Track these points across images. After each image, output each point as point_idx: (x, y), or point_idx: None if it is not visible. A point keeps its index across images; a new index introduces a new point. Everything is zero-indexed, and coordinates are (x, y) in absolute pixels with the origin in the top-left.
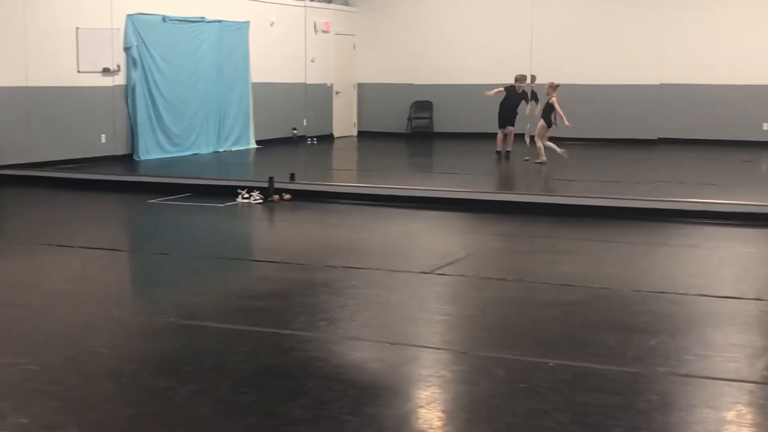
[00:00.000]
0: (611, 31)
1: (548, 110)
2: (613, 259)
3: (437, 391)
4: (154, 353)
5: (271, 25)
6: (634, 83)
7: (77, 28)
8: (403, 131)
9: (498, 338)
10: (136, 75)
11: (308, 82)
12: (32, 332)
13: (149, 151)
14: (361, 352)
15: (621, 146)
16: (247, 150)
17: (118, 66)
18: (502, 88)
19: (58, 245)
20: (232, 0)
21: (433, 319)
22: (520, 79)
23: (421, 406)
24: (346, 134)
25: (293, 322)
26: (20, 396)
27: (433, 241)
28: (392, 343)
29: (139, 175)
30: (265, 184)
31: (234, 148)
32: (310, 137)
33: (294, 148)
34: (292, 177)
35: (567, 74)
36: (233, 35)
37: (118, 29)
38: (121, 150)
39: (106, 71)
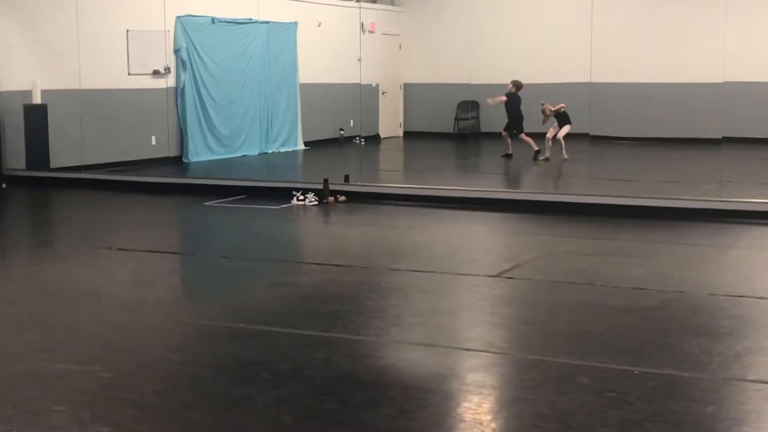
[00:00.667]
0: (672, 28)
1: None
2: (683, 261)
3: (522, 399)
4: (227, 359)
5: (319, 25)
6: (696, 81)
7: (127, 30)
8: (449, 131)
9: (577, 345)
10: (186, 77)
11: (355, 82)
12: (101, 338)
13: (198, 153)
14: (438, 358)
15: (684, 145)
16: (295, 151)
17: (167, 68)
18: (504, 97)
19: (118, 249)
20: (280, 1)
21: (506, 325)
22: (518, 84)
23: (511, 416)
24: (392, 135)
25: (365, 327)
26: (98, 404)
27: (495, 243)
28: (467, 349)
29: (193, 178)
30: (320, 186)
31: (282, 150)
32: (357, 137)
33: (342, 149)
34: (347, 179)
35: (627, 72)
36: (281, 36)
37: (168, 31)
38: (170, 152)
39: (156, 73)
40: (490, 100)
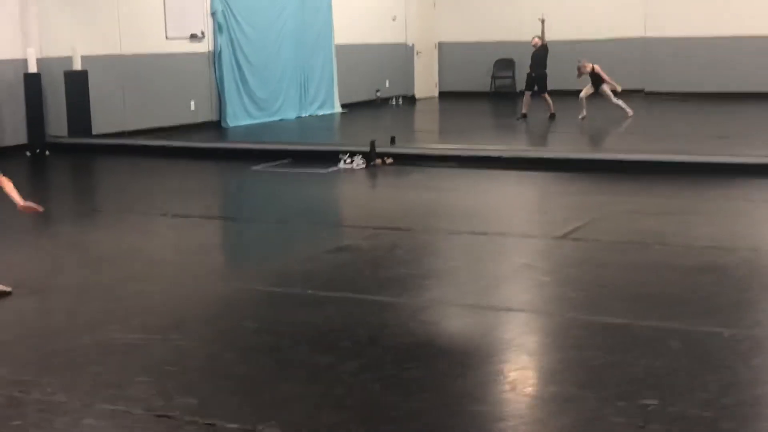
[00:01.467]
0: None
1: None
2: (750, 218)
3: (617, 364)
4: (304, 327)
5: None
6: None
7: None
8: (485, 90)
9: (663, 307)
10: (222, 40)
11: (390, 42)
12: (171, 306)
13: (237, 117)
14: (519, 323)
15: (743, 100)
16: (332, 114)
17: (202, 32)
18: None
19: (173, 215)
20: None
21: (583, 288)
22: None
23: (610, 383)
24: (428, 95)
25: (437, 292)
26: (181, 375)
27: (552, 204)
28: (550, 313)
29: (238, 142)
30: (365, 149)
31: (320, 113)
32: (394, 98)
33: (379, 110)
34: (393, 141)
35: (683, 26)
36: None
37: None
38: (209, 116)
39: (193, 37)
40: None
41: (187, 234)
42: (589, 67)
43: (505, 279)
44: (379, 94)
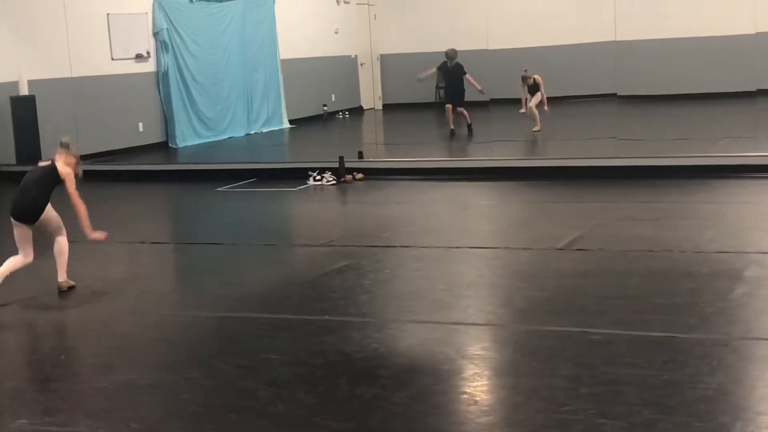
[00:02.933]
0: None
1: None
2: (747, 220)
3: (684, 381)
4: (333, 355)
5: None
6: (726, 34)
7: (108, 14)
8: (429, 101)
9: (701, 318)
10: (168, 59)
11: (333, 54)
12: (180, 341)
13: (185, 137)
14: (568, 339)
15: (716, 100)
16: (281, 130)
17: (148, 52)
18: (434, 69)
19: (152, 242)
20: None
21: (604, 300)
22: (452, 54)
23: (687, 401)
24: (372, 106)
25: (477, 310)
26: (215, 415)
27: (541, 214)
28: (589, 331)
29: (203, 163)
30: (334, 164)
31: (265, 130)
32: (341, 112)
33: (328, 124)
34: (360, 155)
35: (647, 29)
36: (258, 12)
37: (147, 13)
38: (157, 137)
39: (139, 57)
40: (420, 75)
41: (176, 261)
42: (535, 78)
43: (527, 292)
44: (326, 108)
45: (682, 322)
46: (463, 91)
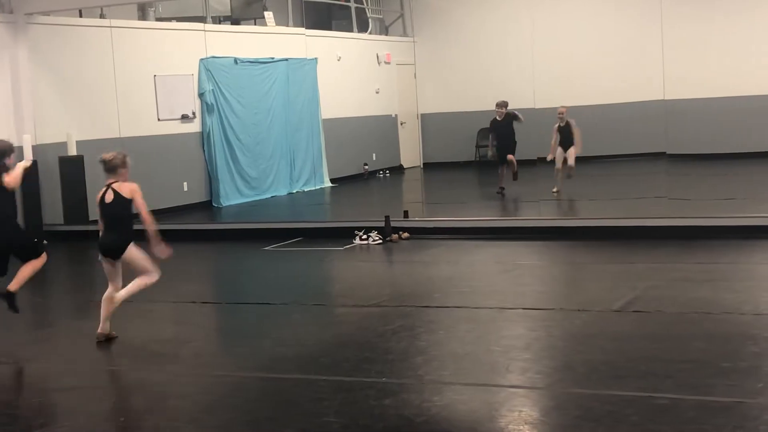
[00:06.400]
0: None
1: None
2: None
3: None
4: (394, 420)
5: (339, 60)
6: None
7: (155, 75)
8: (469, 159)
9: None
10: (212, 120)
11: (374, 114)
12: (255, 404)
13: (229, 196)
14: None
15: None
16: (322, 189)
17: (193, 112)
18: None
19: (202, 302)
20: (299, 38)
21: (672, 365)
22: (502, 104)
23: None
24: (413, 165)
25: (530, 372)
26: None
27: (592, 274)
28: (655, 395)
29: (249, 223)
30: (375, 224)
31: (306, 189)
32: (381, 170)
33: (369, 183)
34: (406, 214)
35: (696, 88)
36: (301, 72)
37: (192, 75)
38: (201, 197)
39: (184, 118)
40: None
41: (237, 324)
42: (569, 121)
43: (587, 355)
44: (366, 167)
45: (748, 386)
46: (515, 142)
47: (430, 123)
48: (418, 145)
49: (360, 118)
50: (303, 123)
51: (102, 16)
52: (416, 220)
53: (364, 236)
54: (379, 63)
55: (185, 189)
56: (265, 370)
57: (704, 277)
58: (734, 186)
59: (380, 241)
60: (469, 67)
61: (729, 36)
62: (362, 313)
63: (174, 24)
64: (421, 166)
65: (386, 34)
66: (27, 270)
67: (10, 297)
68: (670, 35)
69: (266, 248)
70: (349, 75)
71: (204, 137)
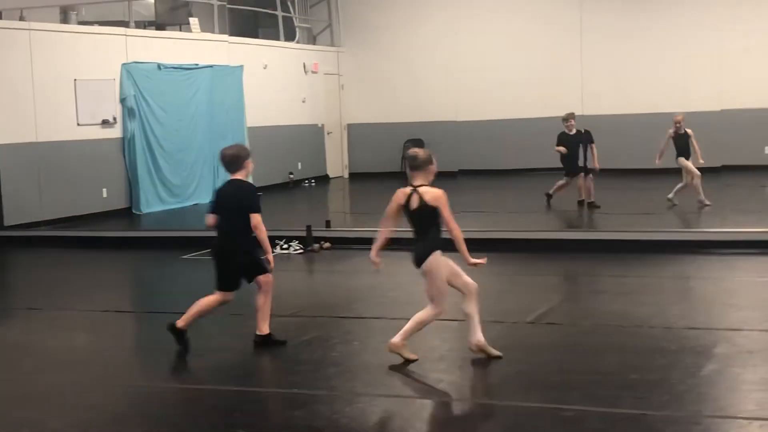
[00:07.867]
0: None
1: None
2: (723, 295)
3: None
4: (303, 431)
5: (265, 68)
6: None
7: (75, 79)
8: (395, 170)
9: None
10: (134, 126)
11: (300, 123)
12: (165, 415)
13: (150, 203)
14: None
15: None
16: None
17: (114, 118)
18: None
19: (116, 311)
20: (224, 45)
21: (607, 378)
22: (569, 117)
23: None
24: (338, 175)
25: (442, 386)
26: None
27: (507, 286)
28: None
29: (169, 231)
30: (297, 233)
31: None
32: (307, 180)
33: (293, 192)
34: (328, 224)
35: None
36: (226, 79)
37: (114, 79)
38: (121, 203)
39: (105, 123)
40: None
41: (135, 330)
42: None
43: (522, 366)
44: (291, 176)
45: (654, 399)
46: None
47: (356, 133)
48: (344, 154)
49: (286, 127)
50: (227, 131)
51: (21, 19)
52: (338, 230)
53: (285, 246)
54: (306, 72)
55: (104, 195)
56: (176, 381)
57: (617, 290)
58: (650, 201)
59: (301, 250)
60: (396, 78)
61: (644, 53)
62: (278, 323)
63: (96, 28)
64: (347, 176)
65: (314, 44)
66: None
67: None
68: (589, 52)
69: (185, 257)
70: (276, 83)
71: (125, 143)
